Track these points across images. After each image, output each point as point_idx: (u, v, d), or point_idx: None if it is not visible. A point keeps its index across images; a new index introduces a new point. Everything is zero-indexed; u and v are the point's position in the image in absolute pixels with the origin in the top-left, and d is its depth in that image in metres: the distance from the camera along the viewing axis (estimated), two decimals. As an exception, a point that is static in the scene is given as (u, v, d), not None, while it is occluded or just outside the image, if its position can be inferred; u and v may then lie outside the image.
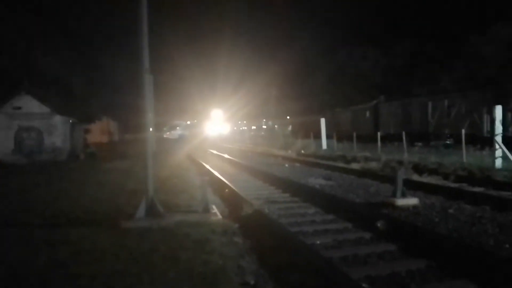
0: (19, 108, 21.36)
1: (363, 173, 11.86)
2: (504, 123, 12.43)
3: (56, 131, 21.98)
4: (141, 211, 6.14)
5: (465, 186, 9.12)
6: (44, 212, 7.02)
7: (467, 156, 12.61)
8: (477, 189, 8.69)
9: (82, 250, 4.72)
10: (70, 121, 23.85)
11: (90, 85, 29.21)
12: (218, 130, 51.38)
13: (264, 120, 63.36)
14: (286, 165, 16.37)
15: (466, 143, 13.10)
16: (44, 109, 21.78)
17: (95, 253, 4.63)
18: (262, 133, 58.69)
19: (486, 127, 18.53)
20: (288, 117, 53.16)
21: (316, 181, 11.01)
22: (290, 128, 48.41)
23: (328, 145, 23.95)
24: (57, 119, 22.06)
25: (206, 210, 6.53)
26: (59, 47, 26.22)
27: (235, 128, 62.37)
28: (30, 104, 21.48)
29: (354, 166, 14.27)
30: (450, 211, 6.71)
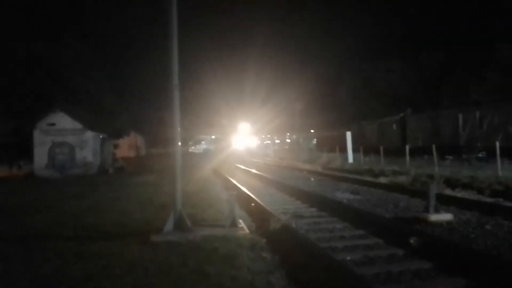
0: (53, 124, 22.29)
1: (391, 188, 11.55)
2: (542, 135, 11.86)
3: (87, 146, 22.73)
4: (169, 225, 6.20)
5: (501, 201, 8.71)
6: (76, 226, 7.20)
7: (502, 170, 12.07)
8: (515, 204, 8.27)
9: (112, 263, 4.79)
10: (101, 136, 24.63)
11: (119, 101, 30.17)
12: (245, 143, 51.49)
13: (288, 134, 63.20)
14: (312, 179, 16.18)
15: (500, 156, 12.54)
16: (77, 125, 22.63)
17: (125, 266, 4.69)
18: (286, 146, 58.52)
19: (522, 139, 17.74)
20: (312, 131, 52.86)
21: (343, 195, 10.80)
22: (314, 141, 48.07)
23: (354, 158, 23.53)
24: (89, 134, 22.83)
25: (234, 224, 6.50)
26: (91, 65, 27.31)
27: (259, 142, 62.46)
28: (63, 121, 22.39)
29: (382, 180, 13.93)
30: (487, 227, 6.40)
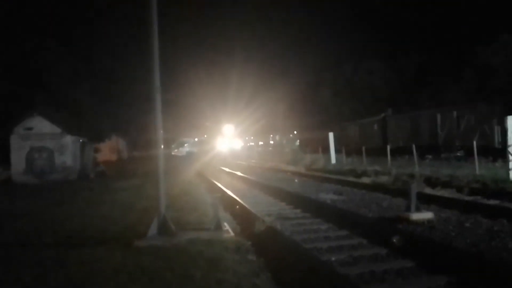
0: (31, 129, 21.69)
1: (374, 187, 11.73)
2: (516, 134, 12.25)
3: (67, 151, 22.22)
4: (153, 230, 6.12)
5: (480, 199, 8.96)
6: (57, 232, 7.04)
7: (479, 168, 12.42)
8: (492, 202, 8.54)
9: (95, 270, 4.70)
10: (81, 140, 24.12)
11: (100, 104, 29.62)
12: (229, 145, 50.99)
13: (272, 135, 63.41)
14: (296, 180, 16.27)
15: (477, 155, 12.91)
16: (55, 129, 22.09)
17: (109, 272, 4.61)
18: (270, 148, 58.65)
19: (497, 138, 18.30)
20: (295, 132, 53.19)
21: (327, 196, 10.90)
22: (298, 143, 48.36)
23: (337, 159, 23.80)
24: (68, 139, 22.32)
25: (218, 227, 6.48)
26: (71, 67, 26.73)
27: (243, 144, 62.30)
28: (41, 125, 21.82)
29: (365, 180, 14.13)
30: (467, 225, 6.57)
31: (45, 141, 21.77)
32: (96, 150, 29.99)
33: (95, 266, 4.85)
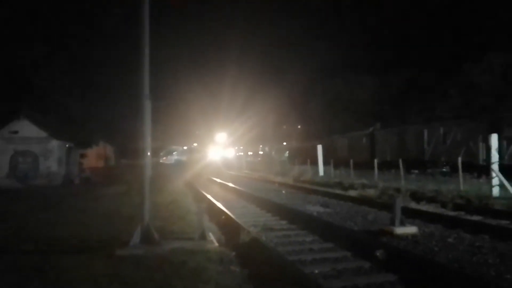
0: (16, 132, 21.34)
1: (360, 201, 11.79)
2: (499, 151, 12.51)
3: (52, 156, 21.88)
4: (136, 238, 6.03)
5: (463, 215, 9.07)
6: (37, 239, 6.87)
7: (464, 184, 12.61)
8: (475, 217, 8.64)
9: (75, 278, 4.60)
10: (67, 145, 23.79)
11: (88, 110, 29.35)
12: (221, 154, 49.88)
13: (261, 146, 63.47)
14: (283, 192, 16.27)
15: (462, 171, 13.11)
16: (41, 133, 21.77)
17: (89, 281, 4.51)
18: (259, 159, 58.63)
19: (482, 155, 18.62)
20: (284, 143, 53.36)
21: (313, 208, 10.91)
22: (287, 154, 48.50)
23: (325, 171, 23.90)
24: (54, 143, 22.01)
25: (203, 237, 6.42)
26: (60, 71, 26.50)
27: (235, 153, 61.84)
28: (27, 129, 21.49)
29: (352, 193, 14.20)
30: (450, 240, 6.63)
31: (30, 145, 21.43)
32: (83, 156, 29.60)
33: (75, 274, 4.75)
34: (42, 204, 12.06)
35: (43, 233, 7.32)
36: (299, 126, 48.48)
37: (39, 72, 25.26)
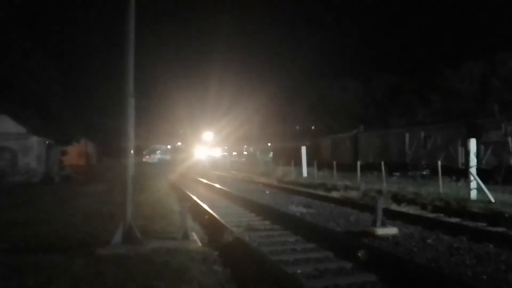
0: (-6, 127, 20.75)
1: (343, 202, 11.93)
2: (477, 155, 12.84)
3: (31, 152, 21.36)
4: (117, 237, 5.94)
5: (442, 217, 9.28)
6: (15, 237, 6.70)
7: (443, 187, 12.90)
8: (453, 219, 8.86)
9: (54, 278, 4.50)
10: (47, 142, 23.26)
11: (69, 106, 28.70)
12: (208, 154, 48.68)
13: (245, 146, 63.45)
14: (267, 192, 16.31)
15: (442, 174, 13.41)
16: (20, 129, 21.22)
17: (68, 281, 4.43)
18: (243, 159, 58.58)
19: (460, 159, 19.08)
20: (269, 144, 53.46)
21: (296, 209, 10.98)
22: (271, 155, 48.59)
23: (308, 173, 24.07)
24: (33, 140, 21.48)
25: (186, 237, 6.37)
26: (39, 66, 25.80)
27: (221, 153, 61.33)
28: (5, 124, 20.90)
29: (335, 194, 14.34)
30: (429, 241, 6.78)
31: (9, 141, 20.87)
32: (63, 153, 28.99)
33: (53, 274, 4.65)
34: (19, 202, 11.75)
35: (21, 232, 7.13)
36: (283, 128, 48.61)
37: (17, 65, 24.54)
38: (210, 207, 9.93)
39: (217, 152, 56.27)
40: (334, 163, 21.79)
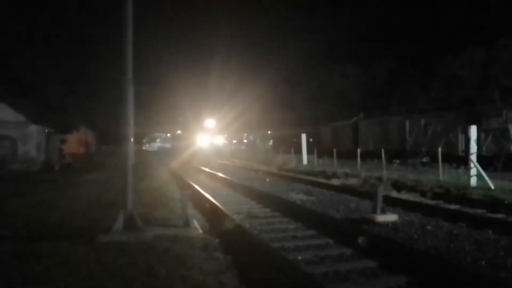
0: (-7, 116, 20.68)
1: (343, 189, 11.96)
2: (478, 142, 12.83)
3: (31, 141, 21.33)
4: (118, 225, 5.96)
5: (441, 204, 9.31)
6: (15, 225, 6.72)
7: (443, 174, 12.91)
8: (453, 206, 8.90)
9: (55, 265, 4.52)
10: (46, 130, 23.21)
11: (69, 94, 28.55)
12: (210, 142, 47.92)
13: (245, 134, 63.40)
14: (267, 180, 16.34)
15: (442, 161, 13.42)
16: (20, 117, 21.16)
17: (69, 267, 4.45)
18: (243, 147, 58.60)
19: (461, 146, 19.08)
20: (269, 132, 53.42)
21: (297, 196, 11.01)
22: (271, 142, 48.59)
23: (308, 160, 24.09)
24: (33, 128, 21.43)
25: (186, 224, 6.40)
26: (38, 54, 25.59)
27: (222, 142, 61.01)
28: (4, 112, 20.83)
29: (335, 182, 14.38)
30: (428, 227, 6.81)
31: (8, 130, 20.82)
32: (63, 142, 28.98)
33: (55, 261, 4.67)
34: (20, 190, 11.78)
35: (22, 219, 7.16)
36: (283, 115, 48.42)
37: (16, 53, 24.32)
38: (211, 195, 9.95)
39: (220, 140, 55.77)
40: (334, 150, 21.79)
